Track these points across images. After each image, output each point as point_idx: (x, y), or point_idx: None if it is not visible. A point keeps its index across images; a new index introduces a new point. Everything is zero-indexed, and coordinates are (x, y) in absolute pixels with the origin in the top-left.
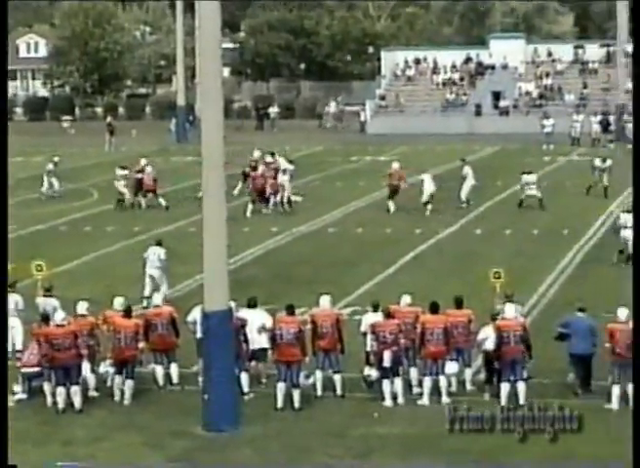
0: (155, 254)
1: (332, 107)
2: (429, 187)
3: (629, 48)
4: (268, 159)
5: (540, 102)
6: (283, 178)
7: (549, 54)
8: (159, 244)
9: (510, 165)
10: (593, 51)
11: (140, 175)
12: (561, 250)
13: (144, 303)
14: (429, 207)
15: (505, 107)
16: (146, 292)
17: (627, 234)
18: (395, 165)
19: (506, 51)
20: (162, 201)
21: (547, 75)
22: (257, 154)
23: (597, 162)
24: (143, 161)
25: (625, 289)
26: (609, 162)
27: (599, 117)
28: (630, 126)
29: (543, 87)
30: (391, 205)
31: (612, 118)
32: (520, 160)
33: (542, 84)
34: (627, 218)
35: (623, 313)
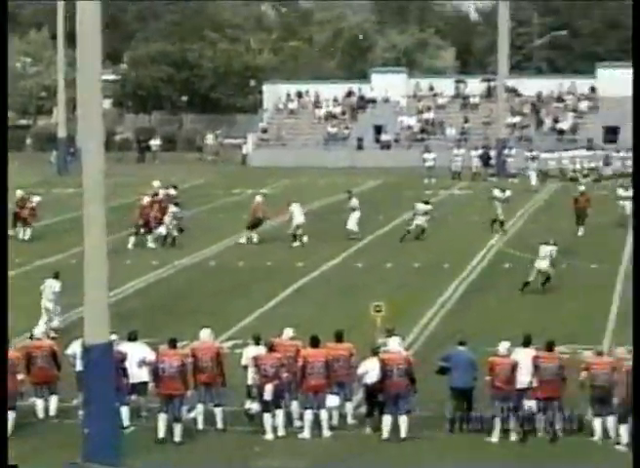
0: (50, 287)
1: (210, 140)
2: (298, 218)
3: (510, 82)
4: (171, 192)
5: (422, 136)
6: (167, 220)
7: (431, 88)
8: (56, 277)
9: (392, 198)
10: (474, 85)
11: (17, 209)
12: (442, 283)
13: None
14: (296, 242)
15: (387, 141)
16: (40, 324)
17: (542, 265)
18: (258, 198)
19: (388, 85)
20: (28, 232)
21: (429, 109)
22: (156, 184)
23: (496, 192)
24: (19, 192)
25: (507, 321)
26: (508, 192)
27: (480, 151)
28: (510, 160)
29: (425, 121)
30: (249, 235)
31: (492, 152)
32: (402, 194)
33: (424, 118)
34: (545, 250)
35: (504, 346)
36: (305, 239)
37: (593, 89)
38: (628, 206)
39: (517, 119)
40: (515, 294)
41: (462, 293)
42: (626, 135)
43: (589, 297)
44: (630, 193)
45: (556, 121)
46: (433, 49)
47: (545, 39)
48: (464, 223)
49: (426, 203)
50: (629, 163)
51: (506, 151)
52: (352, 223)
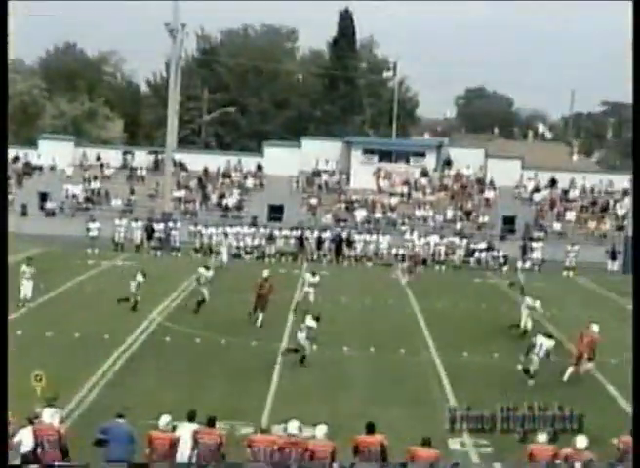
0: None
1: None
2: None
3: (177, 156)
4: None
5: (87, 206)
6: None
7: (98, 158)
8: None
9: (55, 267)
10: (142, 157)
11: None
12: (102, 354)
13: None
14: None
15: (52, 209)
16: None
17: (301, 337)
18: None
19: (55, 152)
20: None
21: (95, 179)
22: None
23: (202, 271)
24: None
25: (168, 395)
26: (211, 272)
27: (143, 223)
28: (174, 234)
29: (90, 190)
30: None
31: (157, 225)
32: (65, 263)
33: (90, 187)
34: (310, 323)
35: (164, 420)
36: None
37: (260, 166)
38: (312, 293)
39: (183, 193)
40: (174, 368)
41: (123, 365)
42: (290, 213)
43: (249, 374)
44: (316, 279)
45: (222, 197)
46: (102, 119)
47: (214, 115)
48: (127, 295)
49: (144, 275)
50: (292, 241)
51: (171, 225)
52: (28, 290)
